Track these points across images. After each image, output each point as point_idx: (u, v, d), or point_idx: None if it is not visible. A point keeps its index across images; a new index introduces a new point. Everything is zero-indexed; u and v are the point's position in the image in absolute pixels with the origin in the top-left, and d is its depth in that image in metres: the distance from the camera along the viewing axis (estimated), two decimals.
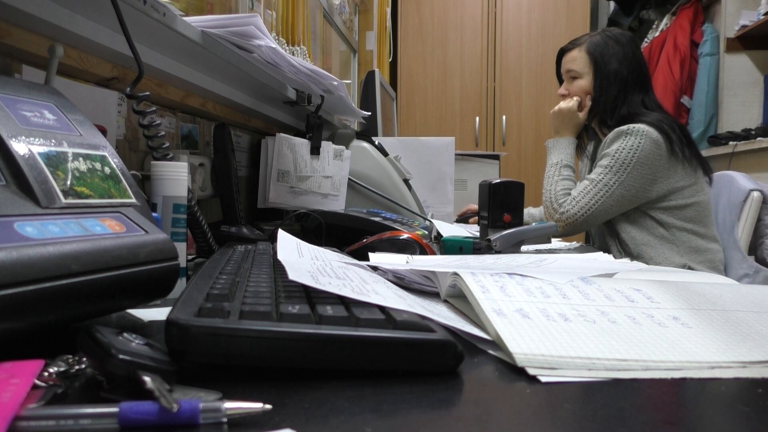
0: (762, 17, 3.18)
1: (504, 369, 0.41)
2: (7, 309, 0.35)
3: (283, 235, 0.72)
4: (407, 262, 0.73)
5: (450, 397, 0.35)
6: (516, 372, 0.40)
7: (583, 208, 1.58)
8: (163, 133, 0.73)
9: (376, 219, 1.08)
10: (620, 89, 1.64)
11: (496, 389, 0.37)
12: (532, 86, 4.12)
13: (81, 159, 0.49)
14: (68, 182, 0.46)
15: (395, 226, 1.05)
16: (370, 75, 2.31)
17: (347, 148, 1.48)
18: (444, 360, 0.39)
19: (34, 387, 0.32)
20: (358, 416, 0.32)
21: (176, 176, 0.67)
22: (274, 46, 0.99)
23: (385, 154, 1.57)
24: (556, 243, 1.54)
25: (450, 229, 1.19)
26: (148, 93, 0.71)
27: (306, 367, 0.38)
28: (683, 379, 0.39)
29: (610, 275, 0.65)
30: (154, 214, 0.56)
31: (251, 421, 0.30)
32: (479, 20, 4.17)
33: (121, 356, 0.32)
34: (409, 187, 1.60)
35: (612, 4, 4.40)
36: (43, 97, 0.52)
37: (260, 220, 1.35)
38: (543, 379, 0.38)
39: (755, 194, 1.74)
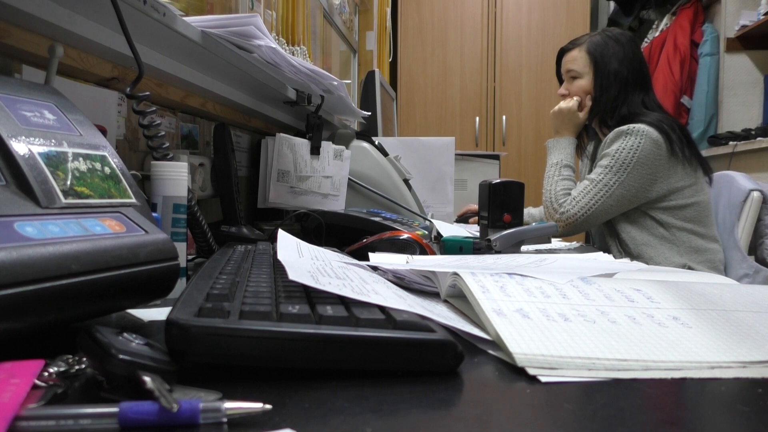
0: (762, 17, 3.18)
1: (504, 369, 0.41)
2: (7, 309, 0.35)
3: (283, 235, 0.72)
4: (407, 262, 0.73)
5: (450, 397, 0.35)
6: (516, 372, 0.40)
7: (583, 208, 1.58)
8: (163, 133, 0.73)
9: (376, 219, 1.08)
10: (620, 89, 1.64)
11: (496, 389, 0.37)
12: (532, 86, 4.12)
13: (81, 159, 0.49)
14: (68, 182, 0.46)
15: (395, 226, 1.05)
16: (370, 75, 2.31)
17: (347, 148, 1.48)
18: (444, 360, 0.39)
19: (34, 387, 0.32)
20: (358, 416, 0.32)
21: (176, 176, 0.67)
22: (274, 46, 0.99)
23: (385, 154, 1.57)
24: (556, 243, 1.54)
25: (450, 229, 1.19)
26: (148, 93, 0.71)
27: (306, 367, 0.38)
28: (683, 379, 0.39)
29: (610, 275, 0.65)
30: (154, 214, 0.56)
31: (251, 421, 0.30)
32: (479, 20, 4.17)
33: (121, 356, 0.32)
34: (409, 187, 1.60)
35: (612, 4, 4.40)
36: (43, 97, 0.52)
37: (260, 220, 1.35)
38: (543, 379, 0.38)
39: (755, 194, 1.74)
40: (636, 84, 1.65)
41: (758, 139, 3.00)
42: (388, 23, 3.95)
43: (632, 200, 1.57)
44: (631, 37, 1.71)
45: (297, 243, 0.73)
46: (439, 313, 0.51)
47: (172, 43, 0.88)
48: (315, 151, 1.36)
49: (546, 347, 0.41)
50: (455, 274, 0.56)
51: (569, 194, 1.63)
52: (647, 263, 1.31)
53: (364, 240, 0.94)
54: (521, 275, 0.57)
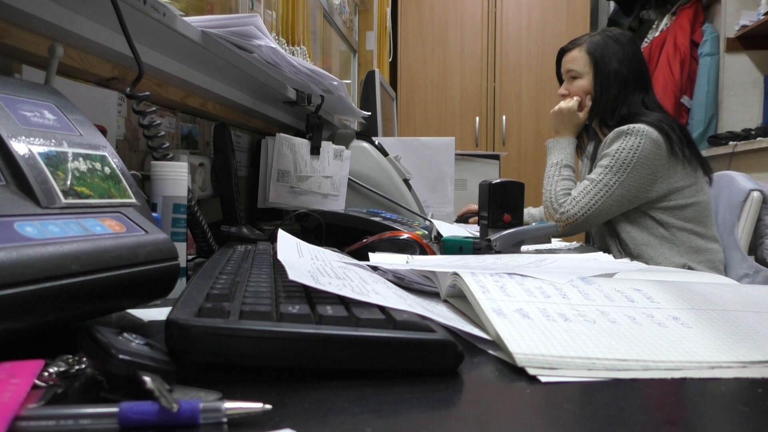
0: (762, 17, 3.18)
1: (504, 369, 0.41)
2: (7, 309, 0.35)
3: (283, 235, 0.72)
4: (407, 262, 0.73)
5: (450, 397, 0.35)
6: (516, 372, 0.40)
7: (583, 208, 1.58)
8: (163, 133, 0.73)
9: (376, 219, 1.09)
10: (620, 89, 1.64)
11: (496, 389, 0.37)
12: (532, 86, 4.12)
13: (81, 159, 0.49)
14: (68, 182, 0.46)
15: (395, 226, 1.05)
16: (370, 75, 2.31)
17: (347, 148, 1.48)
18: (444, 360, 0.39)
19: (34, 387, 0.32)
20: (358, 416, 0.32)
21: (176, 176, 0.67)
22: (274, 46, 0.99)
23: (385, 154, 1.57)
24: (556, 243, 1.54)
25: (450, 229, 1.19)
26: (148, 93, 0.71)
27: (306, 367, 0.38)
28: (683, 379, 0.39)
29: (610, 275, 0.65)
30: (154, 214, 0.56)
31: (251, 421, 0.30)
32: (479, 20, 4.17)
33: (121, 356, 0.32)
34: (409, 187, 1.60)
35: (612, 4, 4.40)
36: (43, 97, 0.52)
37: (260, 220, 1.35)
38: (543, 379, 0.38)
39: (755, 194, 1.74)
40: (636, 84, 1.65)
41: (758, 139, 3.00)
42: (388, 23, 3.95)
43: (632, 200, 1.57)
44: (631, 37, 1.71)
45: (297, 243, 0.73)
46: (439, 313, 0.51)
47: (172, 43, 0.88)
48: (315, 151, 1.36)
49: (546, 347, 0.41)
50: (455, 274, 0.56)
51: (569, 194, 1.63)
52: (647, 263, 1.31)
53: (364, 240, 0.94)
54: (521, 275, 0.57)
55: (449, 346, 0.39)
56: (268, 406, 0.31)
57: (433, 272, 0.64)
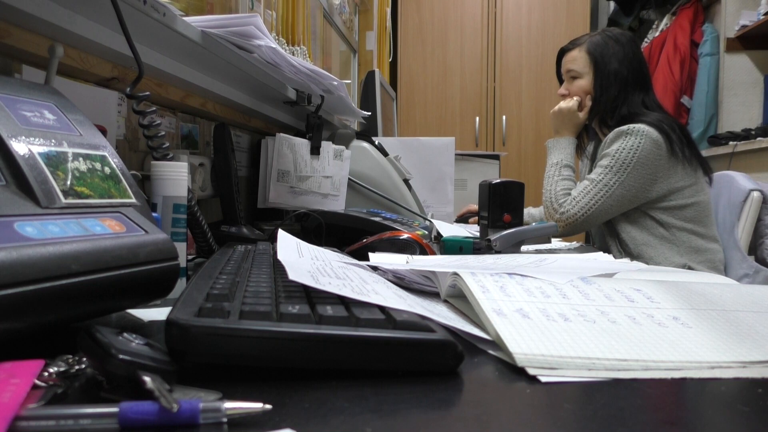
0: (762, 17, 3.18)
1: (504, 369, 0.41)
2: (7, 309, 0.35)
3: (283, 235, 0.72)
4: (407, 262, 0.73)
5: (450, 397, 0.35)
6: (516, 372, 0.40)
7: (583, 208, 1.58)
8: (163, 133, 0.73)
9: (376, 219, 1.09)
10: (620, 89, 1.64)
11: (496, 389, 0.37)
12: (532, 86, 4.12)
13: (81, 159, 0.49)
14: (68, 182, 0.46)
15: (395, 226, 1.05)
16: (370, 75, 2.31)
17: (347, 148, 1.48)
18: (444, 360, 0.39)
19: (34, 387, 0.32)
20: (358, 416, 0.32)
21: (176, 176, 0.67)
22: (274, 46, 0.99)
23: (385, 154, 1.57)
24: (556, 243, 1.54)
25: (450, 229, 1.19)
26: (148, 93, 0.71)
27: (306, 367, 0.38)
28: (683, 379, 0.39)
29: (610, 275, 0.65)
30: (154, 214, 0.56)
31: (251, 421, 0.30)
32: (479, 20, 4.17)
33: (121, 356, 0.32)
34: (409, 187, 1.60)
35: (612, 4, 4.40)
36: (43, 97, 0.52)
37: (260, 220, 1.35)
38: (543, 379, 0.38)
39: (755, 194, 1.74)
40: (636, 84, 1.65)
41: (758, 139, 3.00)
42: (388, 23, 3.95)
43: (632, 200, 1.57)
44: (631, 37, 1.71)
45: (297, 243, 0.73)
46: (439, 313, 0.51)
47: (172, 43, 0.88)
48: (315, 151, 1.36)
49: (546, 347, 0.41)
50: (455, 274, 0.56)
51: (569, 194, 1.63)
52: (647, 263, 1.31)
53: (364, 240, 0.94)
54: (521, 275, 0.57)
55: (449, 346, 0.39)
56: (268, 406, 0.31)
57: (433, 272, 0.64)
